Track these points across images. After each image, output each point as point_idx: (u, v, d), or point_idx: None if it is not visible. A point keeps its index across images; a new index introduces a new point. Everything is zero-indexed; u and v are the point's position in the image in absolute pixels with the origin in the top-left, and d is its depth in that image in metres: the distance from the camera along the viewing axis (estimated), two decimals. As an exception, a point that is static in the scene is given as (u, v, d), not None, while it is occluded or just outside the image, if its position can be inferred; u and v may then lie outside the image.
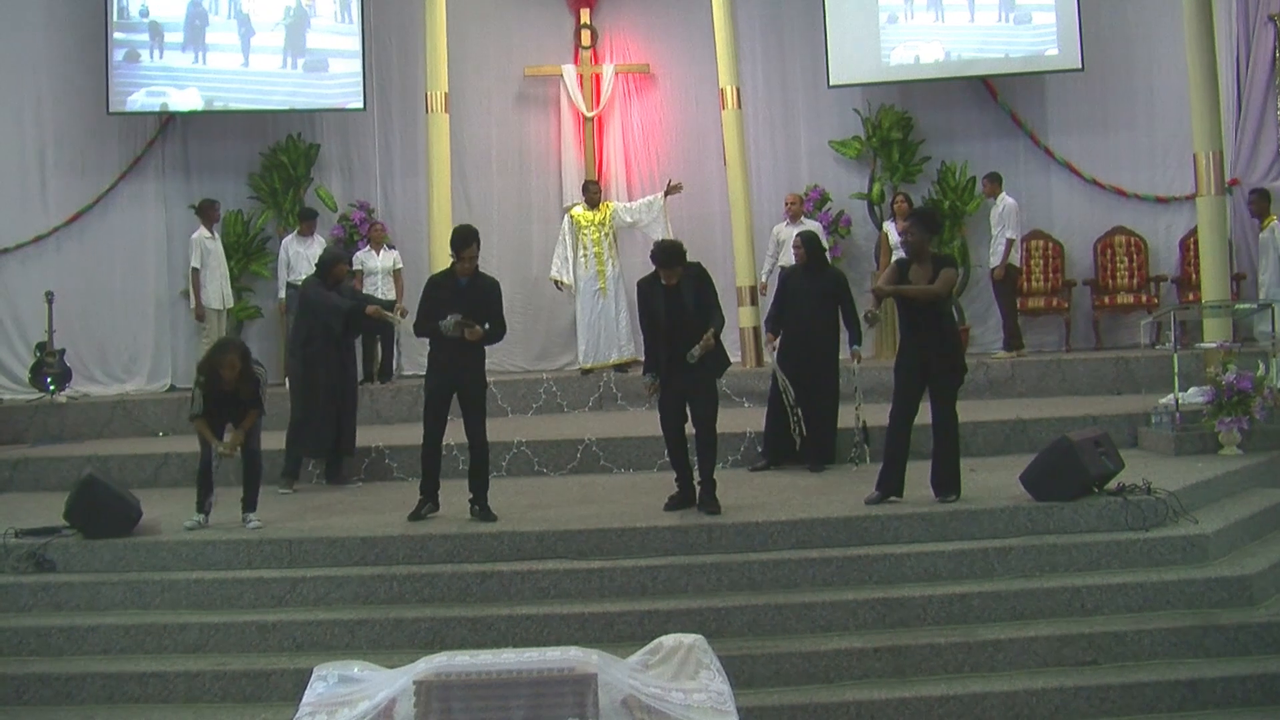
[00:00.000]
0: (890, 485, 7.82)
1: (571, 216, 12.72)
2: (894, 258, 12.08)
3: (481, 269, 8.28)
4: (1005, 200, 12.32)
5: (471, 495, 8.05)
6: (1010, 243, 12.17)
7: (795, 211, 12.72)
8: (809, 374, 9.15)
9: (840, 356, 9.48)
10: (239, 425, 7.93)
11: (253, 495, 8.09)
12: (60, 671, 6.80)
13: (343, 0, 13.21)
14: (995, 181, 12.47)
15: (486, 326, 8.02)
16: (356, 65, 13.22)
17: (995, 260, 12.25)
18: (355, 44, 13.22)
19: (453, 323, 7.87)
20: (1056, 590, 7.01)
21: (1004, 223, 12.19)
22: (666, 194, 12.57)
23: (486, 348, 8.28)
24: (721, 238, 13.26)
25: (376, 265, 12.62)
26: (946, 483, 7.81)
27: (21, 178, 12.83)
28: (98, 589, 7.37)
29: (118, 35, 12.74)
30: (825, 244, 12.52)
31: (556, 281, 12.70)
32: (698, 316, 7.90)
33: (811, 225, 12.72)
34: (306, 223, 12.68)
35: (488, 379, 8.38)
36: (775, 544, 7.39)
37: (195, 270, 12.27)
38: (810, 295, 9.20)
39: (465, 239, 8.14)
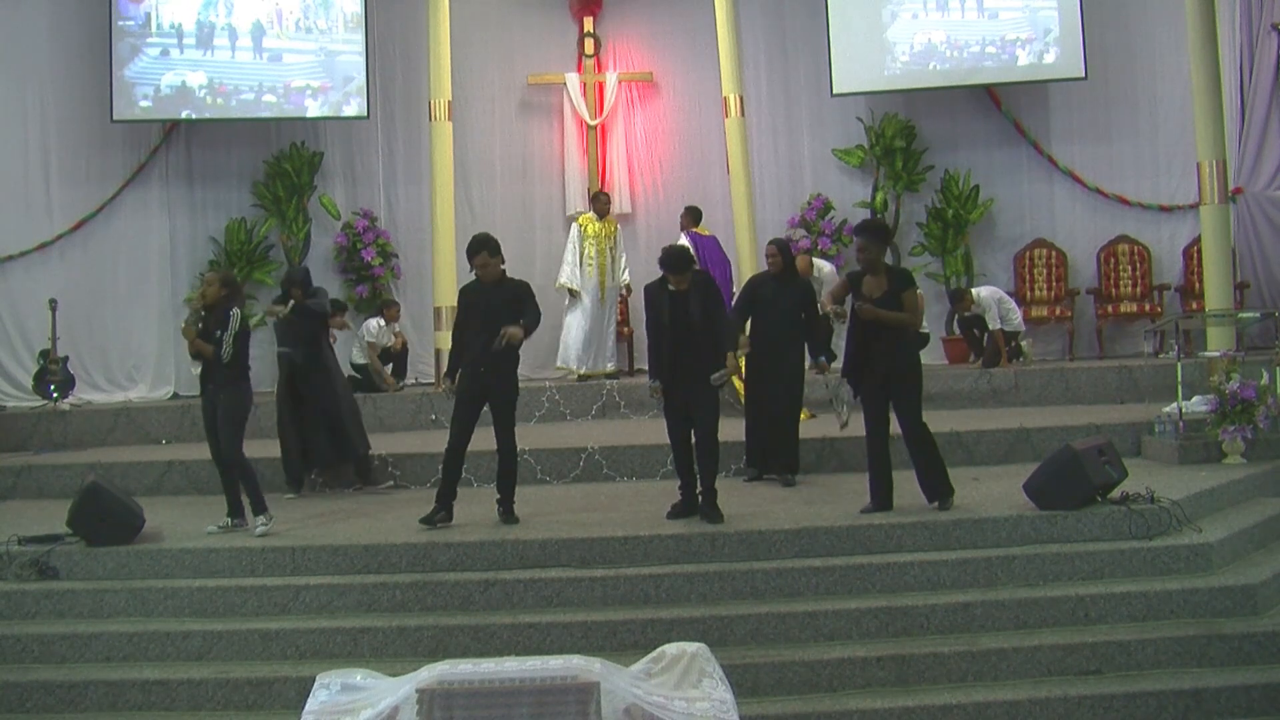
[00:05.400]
0: (881, 499, 7.83)
1: (579, 224, 12.74)
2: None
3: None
4: (980, 295, 12.22)
5: (499, 497, 8.11)
6: (1000, 333, 12.05)
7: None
8: (776, 385, 8.99)
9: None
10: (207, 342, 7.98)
11: (257, 500, 8.07)
12: (63, 679, 6.79)
13: (347, 10, 13.25)
14: (966, 291, 12.36)
15: (521, 321, 7.99)
16: (360, 72, 13.23)
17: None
18: (360, 51, 13.23)
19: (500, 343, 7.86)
20: (1060, 599, 7.01)
21: (991, 313, 12.07)
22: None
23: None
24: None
25: None
26: (937, 488, 7.82)
27: (25, 185, 12.83)
28: (101, 596, 7.37)
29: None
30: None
31: (569, 289, 12.70)
32: (703, 326, 7.89)
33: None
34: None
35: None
36: (778, 552, 7.39)
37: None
38: (779, 305, 8.98)
39: (473, 248, 8.14)
